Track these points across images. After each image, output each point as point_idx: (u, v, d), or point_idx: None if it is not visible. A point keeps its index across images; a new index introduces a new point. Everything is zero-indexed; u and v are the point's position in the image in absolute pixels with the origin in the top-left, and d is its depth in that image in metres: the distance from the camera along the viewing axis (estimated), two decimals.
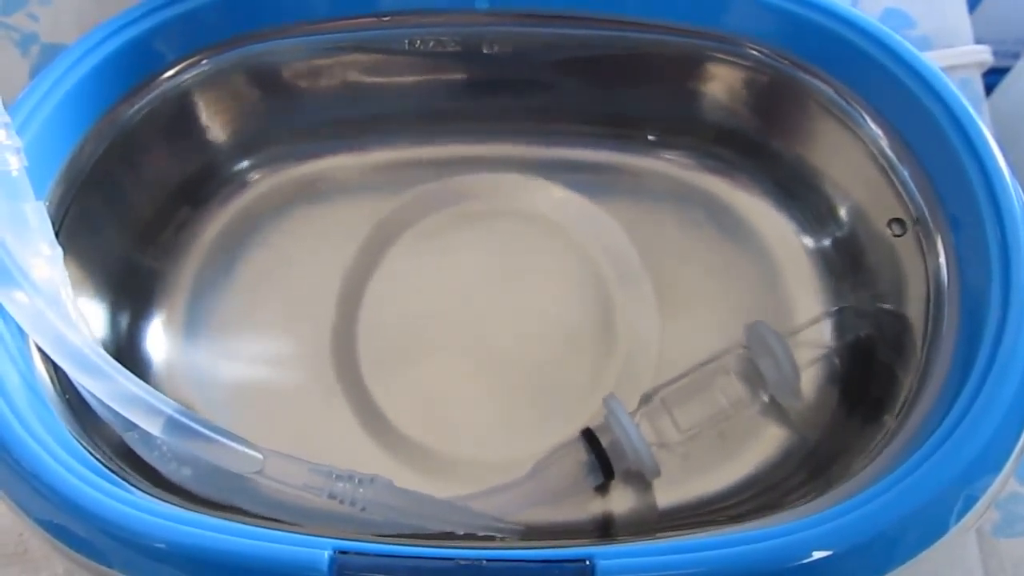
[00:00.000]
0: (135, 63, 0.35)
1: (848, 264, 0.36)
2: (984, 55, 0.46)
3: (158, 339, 0.36)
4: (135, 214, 0.37)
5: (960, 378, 0.27)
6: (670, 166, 0.40)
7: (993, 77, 0.54)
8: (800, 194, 0.38)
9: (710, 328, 0.36)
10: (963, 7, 0.48)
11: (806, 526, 0.24)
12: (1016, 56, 0.56)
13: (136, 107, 0.35)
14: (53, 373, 0.29)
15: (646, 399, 0.33)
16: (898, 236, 0.33)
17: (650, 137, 0.40)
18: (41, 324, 0.27)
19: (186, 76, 0.36)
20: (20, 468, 0.25)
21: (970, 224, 0.30)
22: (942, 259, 0.31)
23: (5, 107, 0.29)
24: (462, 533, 0.29)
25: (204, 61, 0.36)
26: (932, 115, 0.31)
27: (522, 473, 0.32)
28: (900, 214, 0.33)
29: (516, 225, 0.39)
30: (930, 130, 0.31)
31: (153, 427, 0.27)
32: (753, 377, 0.33)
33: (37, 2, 0.47)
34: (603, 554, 0.24)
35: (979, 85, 0.46)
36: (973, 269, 0.29)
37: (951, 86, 0.31)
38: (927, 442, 0.26)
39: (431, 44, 0.37)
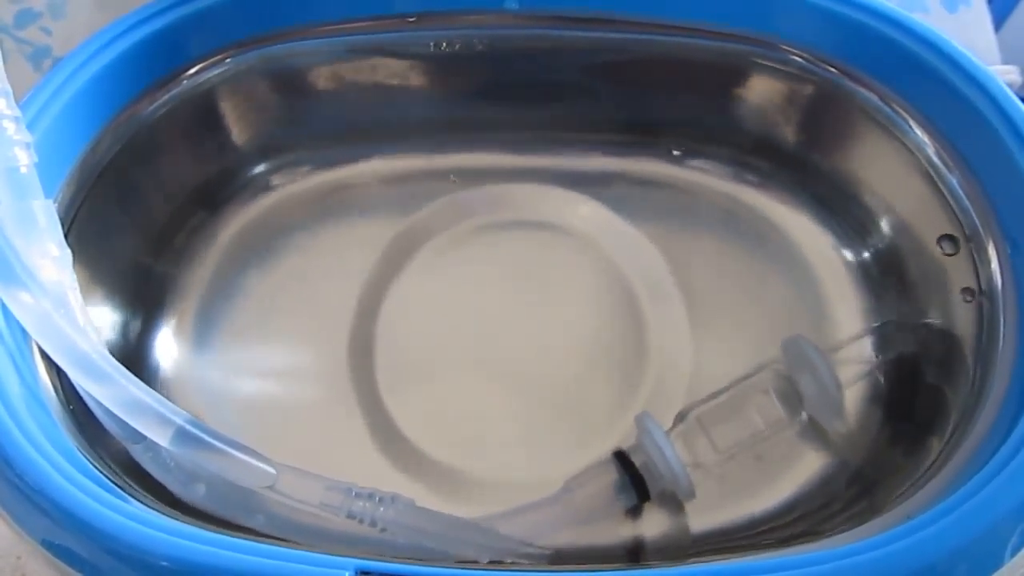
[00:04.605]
0: (155, 59, 0.34)
1: (890, 278, 0.35)
2: (1013, 75, 0.46)
3: (169, 347, 0.35)
4: (149, 216, 0.36)
5: (1019, 401, 0.26)
6: (704, 177, 0.39)
7: None
8: (840, 205, 0.37)
9: (744, 345, 0.35)
10: (989, 26, 0.48)
11: (851, 553, 0.23)
12: None
13: (155, 105, 0.34)
14: (57, 381, 0.28)
15: (680, 418, 0.32)
16: (949, 255, 0.32)
17: (683, 147, 0.39)
18: (46, 327, 0.26)
19: (208, 75, 0.35)
20: (20, 482, 0.24)
21: None
22: (995, 267, 0.30)
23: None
24: (487, 561, 0.27)
25: (227, 60, 0.36)
26: (987, 121, 0.30)
27: (548, 494, 0.30)
28: (947, 225, 0.32)
29: (542, 238, 0.38)
30: (984, 137, 0.30)
31: (162, 438, 0.26)
32: (791, 396, 0.32)
33: (50, 16, 0.46)
34: None
35: None
36: None
37: (1008, 91, 0.30)
38: (983, 469, 0.24)
39: (457, 46, 0.37)
